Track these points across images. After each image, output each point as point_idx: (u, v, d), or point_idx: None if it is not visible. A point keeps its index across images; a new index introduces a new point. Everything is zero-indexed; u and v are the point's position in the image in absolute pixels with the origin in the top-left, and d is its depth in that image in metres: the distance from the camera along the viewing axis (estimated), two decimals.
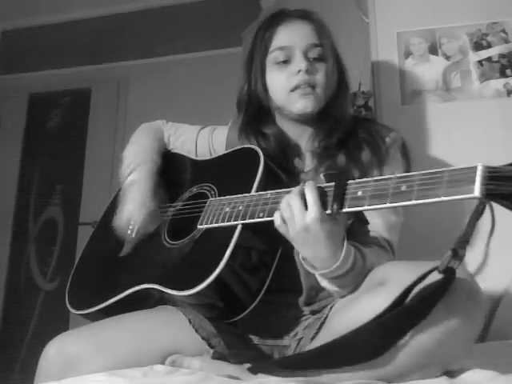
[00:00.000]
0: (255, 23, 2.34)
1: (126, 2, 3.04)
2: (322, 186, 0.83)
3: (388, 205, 0.73)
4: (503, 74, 1.52)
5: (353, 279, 0.88)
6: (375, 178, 0.77)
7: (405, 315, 0.71)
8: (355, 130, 1.12)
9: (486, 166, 0.65)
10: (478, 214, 0.63)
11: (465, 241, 0.66)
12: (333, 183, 0.80)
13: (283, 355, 1.02)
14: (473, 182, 0.64)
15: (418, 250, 1.27)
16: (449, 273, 0.68)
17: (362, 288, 0.88)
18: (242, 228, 0.93)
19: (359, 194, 0.76)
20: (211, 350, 0.94)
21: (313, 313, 1.03)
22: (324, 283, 0.90)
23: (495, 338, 1.23)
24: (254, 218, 0.90)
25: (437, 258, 0.78)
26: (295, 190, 0.84)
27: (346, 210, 0.78)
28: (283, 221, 0.84)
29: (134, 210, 1.10)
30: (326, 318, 0.94)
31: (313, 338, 0.93)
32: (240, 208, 0.94)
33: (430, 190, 0.68)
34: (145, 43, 3.05)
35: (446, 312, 0.71)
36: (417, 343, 0.73)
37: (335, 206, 0.78)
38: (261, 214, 0.90)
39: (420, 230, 1.33)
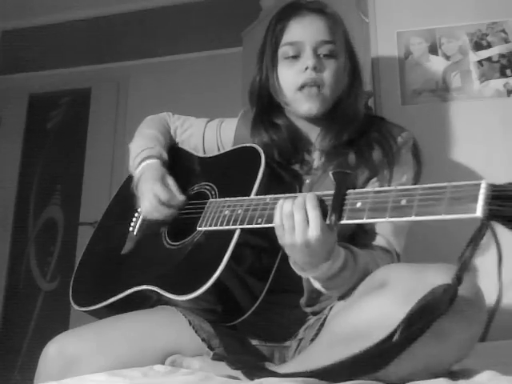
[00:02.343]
0: (255, 23, 2.34)
1: (126, 2, 3.03)
2: (321, 194, 0.82)
3: (387, 219, 0.71)
4: (503, 74, 1.52)
5: (345, 280, 0.88)
6: (375, 190, 0.75)
7: (408, 334, 0.70)
8: (367, 128, 1.10)
9: (490, 184, 0.61)
10: (479, 235, 0.61)
11: (466, 265, 0.64)
12: (332, 191, 0.79)
13: (283, 356, 1.02)
14: (475, 200, 0.61)
15: (421, 253, 1.27)
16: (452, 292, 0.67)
17: (362, 290, 0.87)
18: (241, 232, 0.92)
19: (358, 205, 0.75)
20: (211, 352, 0.93)
21: (314, 313, 1.03)
22: (317, 285, 0.90)
23: (495, 338, 1.23)
24: (252, 224, 0.89)
25: (439, 260, 0.78)
26: (299, 202, 0.82)
27: (344, 221, 0.77)
28: (282, 226, 0.83)
29: (155, 191, 1.07)
30: (325, 319, 0.94)
31: (312, 339, 0.93)
32: (239, 212, 0.92)
33: (431, 207, 0.66)
34: (145, 43, 3.05)
35: (448, 316, 0.71)
36: (420, 348, 0.73)
37: (333, 218, 0.77)
38: (259, 220, 0.88)
39: (423, 232, 1.33)
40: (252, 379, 0.81)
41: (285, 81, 1.09)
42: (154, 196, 1.07)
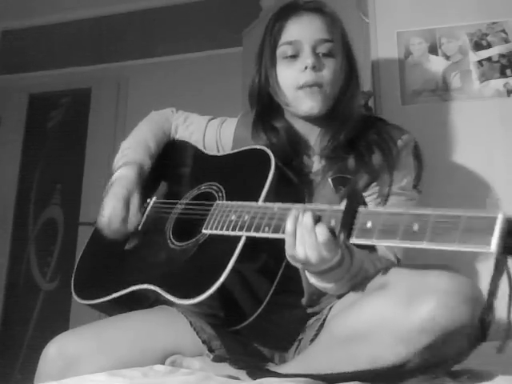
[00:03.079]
0: (255, 23, 2.34)
1: (126, 2, 3.03)
2: (330, 209, 0.79)
3: (397, 243, 0.68)
4: (503, 74, 1.52)
5: (341, 275, 0.86)
6: (387, 211, 0.72)
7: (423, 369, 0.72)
8: (366, 130, 1.09)
9: (507, 217, 0.58)
10: (499, 271, 0.59)
11: (490, 306, 0.62)
12: (343, 207, 0.76)
13: (283, 356, 1.02)
14: (491, 234, 0.58)
15: (421, 254, 1.27)
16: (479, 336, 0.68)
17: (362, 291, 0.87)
18: (247, 238, 0.90)
19: (368, 225, 0.72)
20: (211, 355, 0.92)
21: (313, 314, 1.03)
22: (312, 280, 0.89)
23: (495, 338, 1.23)
24: (258, 232, 0.87)
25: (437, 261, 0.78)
26: (307, 224, 0.79)
27: (353, 240, 0.74)
28: (294, 235, 0.81)
29: (115, 209, 1.08)
30: (325, 320, 0.94)
31: (312, 340, 0.93)
32: (246, 218, 0.90)
33: (444, 236, 0.63)
34: (145, 43, 3.05)
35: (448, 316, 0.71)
36: None
37: (342, 236, 0.74)
38: (266, 229, 0.86)
39: None
40: (255, 379, 0.81)
41: (284, 81, 1.09)
42: (114, 215, 1.08)
